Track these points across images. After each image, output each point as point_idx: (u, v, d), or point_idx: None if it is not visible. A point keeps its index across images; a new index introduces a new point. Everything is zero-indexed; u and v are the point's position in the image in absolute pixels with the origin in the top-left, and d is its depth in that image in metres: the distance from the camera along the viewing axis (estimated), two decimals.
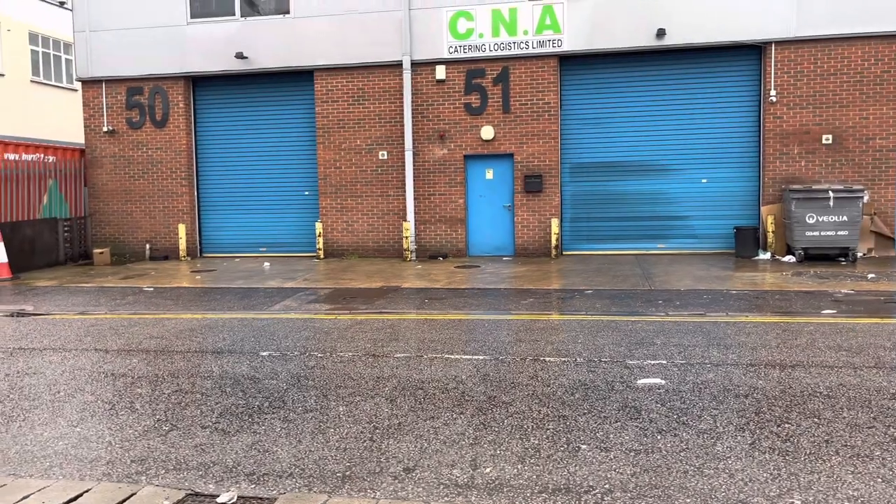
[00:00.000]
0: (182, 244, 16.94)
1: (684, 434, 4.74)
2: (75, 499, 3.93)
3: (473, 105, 15.79)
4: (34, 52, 27.54)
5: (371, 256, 16.44)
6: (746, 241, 14.60)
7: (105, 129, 17.38)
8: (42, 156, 16.60)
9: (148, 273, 14.71)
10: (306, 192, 17.10)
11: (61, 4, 25.31)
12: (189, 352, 7.51)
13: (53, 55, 28.41)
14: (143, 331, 8.73)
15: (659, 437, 4.69)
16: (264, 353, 7.33)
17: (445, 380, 6.15)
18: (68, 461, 4.51)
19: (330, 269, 14.62)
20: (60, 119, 26.48)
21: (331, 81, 16.37)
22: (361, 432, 4.91)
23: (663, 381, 5.95)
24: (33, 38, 27.35)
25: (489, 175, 16.06)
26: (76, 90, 26.00)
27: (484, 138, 15.76)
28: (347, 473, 4.23)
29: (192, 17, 16.87)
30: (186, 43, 16.87)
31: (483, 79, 15.72)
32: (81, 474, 4.29)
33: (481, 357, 6.94)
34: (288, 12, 16.46)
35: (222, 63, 16.71)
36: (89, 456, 4.59)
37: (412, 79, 15.91)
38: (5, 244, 14.49)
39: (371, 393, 5.82)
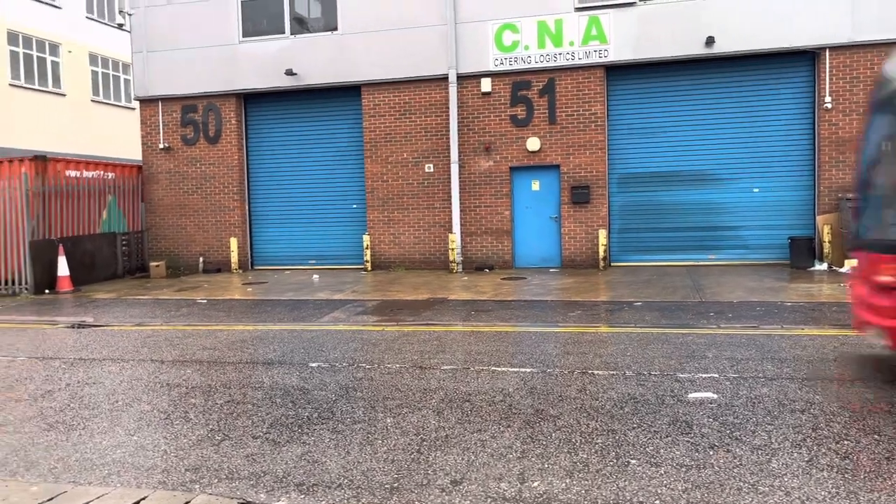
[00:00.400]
0: (234, 257, 17.32)
1: (738, 450, 4.63)
2: None
3: (519, 117, 15.79)
4: (94, 73, 28.61)
5: (417, 268, 16.53)
6: (801, 252, 14.21)
7: (161, 145, 17.93)
8: (102, 173, 17.20)
9: (201, 285, 15.07)
10: (354, 205, 17.31)
11: (120, 27, 26.26)
12: (241, 363, 7.66)
13: (112, 75, 29.46)
14: (196, 342, 8.95)
15: (711, 453, 4.59)
16: (313, 365, 7.43)
17: (492, 392, 6.14)
18: (126, 469, 4.64)
19: (377, 281, 14.75)
20: (119, 137, 27.43)
21: (378, 96, 16.58)
22: (409, 444, 4.94)
23: (715, 395, 5.83)
24: (93, 59, 28.43)
25: (535, 186, 16.01)
26: (134, 108, 26.89)
27: (530, 150, 15.73)
28: (395, 485, 4.26)
29: (244, 36, 17.31)
30: (238, 61, 17.31)
31: (529, 90, 15.71)
32: (138, 482, 4.42)
33: (528, 370, 6.90)
34: (336, 29, 16.76)
35: (272, 80, 17.09)
36: (146, 464, 4.72)
37: (458, 92, 16.00)
38: (67, 258, 15.04)
39: (418, 405, 5.84)
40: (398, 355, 7.77)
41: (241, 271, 17.42)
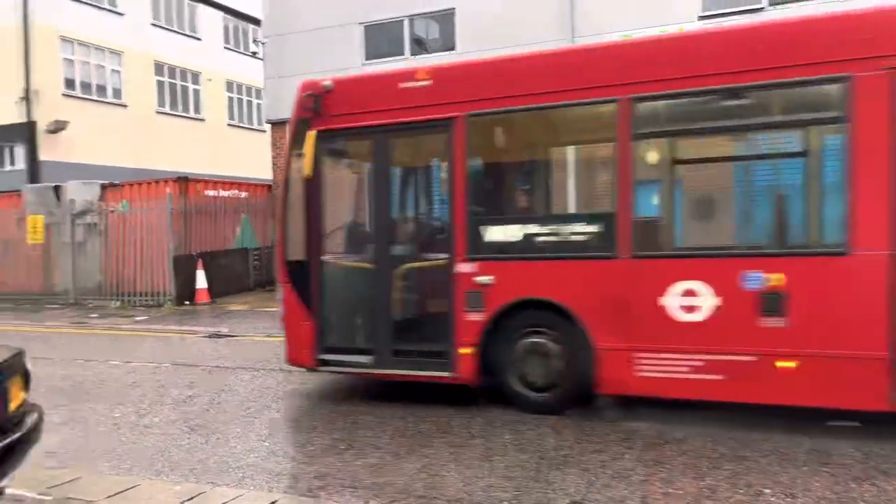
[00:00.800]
0: None
1: (885, 484, 4.28)
2: None
3: None
4: (230, 99, 30.58)
5: None
6: None
7: None
8: (236, 192, 18.33)
9: None
10: None
11: (254, 55, 27.96)
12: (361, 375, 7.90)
13: (246, 100, 31.38)
14: None
15: (854, 486, 4.27)
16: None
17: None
18: (258, 473, 4.90)
19: None
20: (251, 158, 29.12)
21: None
22: (527, 461, 4.91)
23: (858, 424, 5.42)
24: (230, 86, 30.40)
25: None
26: (265, 131, 28.46)
27: None
28: (514, 503, 4.25)
29: (367, 59, 17.98)
30: None
31: None
32: (269, 486, 4.65)
33: None
34: (454, 48, 17.07)
35: None
36: (276, 469, 4.97)
37: None
38: (205, 271, 16.10)
39: (535, 422, 5.80)
40: None
41: None
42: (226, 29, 30.12)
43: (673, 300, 5.55)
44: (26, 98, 22.39)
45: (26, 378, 4.28)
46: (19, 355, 4.15)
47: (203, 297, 15.90)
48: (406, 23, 17.62)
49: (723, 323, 5.41)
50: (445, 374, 6.24)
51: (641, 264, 5.72)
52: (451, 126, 6.30)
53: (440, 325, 6.33)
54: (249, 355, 9.42)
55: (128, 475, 4.90)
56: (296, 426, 6.00)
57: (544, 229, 6.52)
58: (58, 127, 22.64)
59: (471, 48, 16.81)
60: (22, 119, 22.50)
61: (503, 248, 6.32)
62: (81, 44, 24.09)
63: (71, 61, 23.81)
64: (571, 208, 7.94)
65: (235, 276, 17.61)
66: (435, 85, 6.43)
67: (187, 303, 15.74)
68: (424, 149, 7.70)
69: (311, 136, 6.77)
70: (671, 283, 5.56)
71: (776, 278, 5.27)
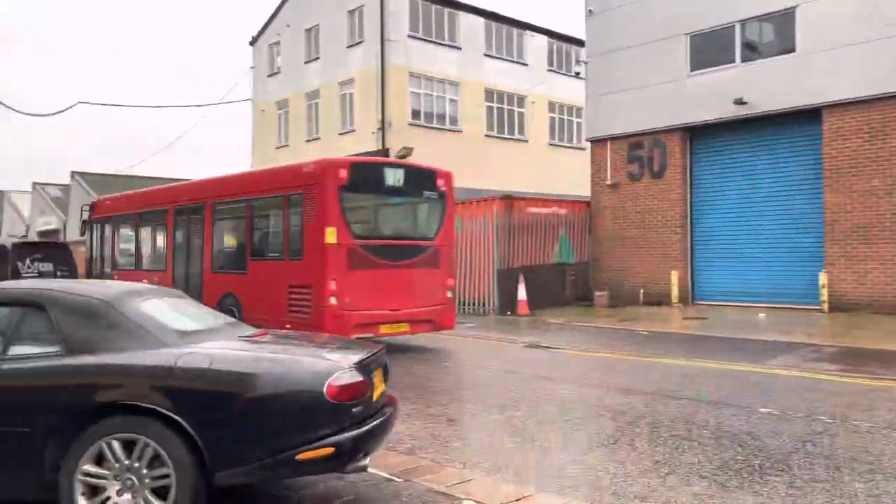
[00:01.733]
0: (674, 291, 17.29)
1: None
2: None
3: None
4: (552, 119, 31.75)
5: (889, 313, 14.18)
6: None
7: (608, 182, 18.97)
8: (555, 209, 18.97)
9: (641, 317, 15.39)
10: (807, 240, 15.75)
11: (577, 75, 28.69)
12: (683, 398, 7.59)
13: (567, 120, 32.31)
14: (639, 372, 9.16)
15: None
16: (763, 410, 6.95)
17: None
18: (580, 485, 4.99)
19: (835, 325, 13.12)
20: (570, 176, 29.85)
21: (842, 118, 14.87)
22: None
23: None
24: (552, 106, 31.58)
25: None
26: (584, 149, 28.99)
27: None
28: None
29: (693, 69, 17.32)
30: (684, 95, 17.38)
31: None
32: (592, 499, 4.70)
33: None
34: (793, 50, 15.62)
35: (719, 111, 16.71)
36: (597, 483, 5.01)
37: None
38: (525, 285, 16.91)
39: (894, 472, 5.00)
40: (868, 412, 6.78)
41: (680, 305, 17.27)
42: (550, 52, 31.40)
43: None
44: (381, 129, 25.86)
45: (386, 371, 4.94)
46: (381, 351, 4.81)
47: (523, 309, 16.70)
48: (737, 28, 16.59)
49: None
50: None
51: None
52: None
53: None
54: (568, 368, 9.65)
55: (463, 469, 5.35)
56: (615, 443, 5.98)
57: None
58: (405, 153, 25.72)
59: (816, 48, 15.22)
60: (377, 147, 26.02)
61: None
62: (426, 78, 27.09)
63: (417, 94, 26.90)
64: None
65: (553, 290, 18.19)
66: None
67: (509, 313, 16.66)
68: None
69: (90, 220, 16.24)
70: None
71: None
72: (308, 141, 30.13)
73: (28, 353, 4.09)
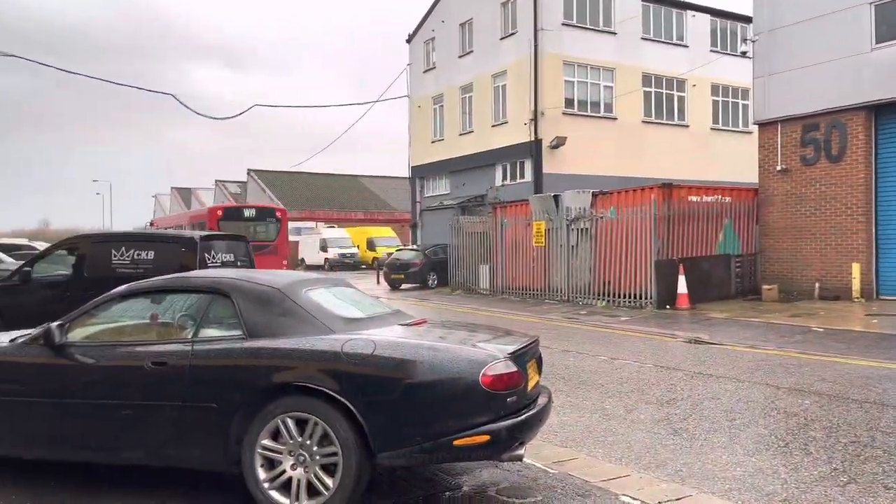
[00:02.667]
0: (855, 284, 15.82)
1: None
2: None
3: None
4: (715, 102, 30.09)
5: None
6: None
7: (778, 167, 17.68)
8: (719, 197, 17.96)
9: (817, 313, 14.25)
10: None
11: (743, 54, 26.94)
12: (866, 402, 6.95)
13: (731, 102, 30.48)
14: (813, 372, 8.50)
15: None
16: None
17: None
18: (745, 488, 4.73)
19: None
20: (735, 161, 28.18)
21: None
22: None
23: None
24: (715, 89, 29.93)
25: None
26: (751, 133, 27.22)
27: None
28: None
29: (878, 42, 15.71)
30: (866, 71, 15.80)
31: None
32: None
33: None
34: None
35: None
36: (766, 488, 4.73)
37: None
38: (685, 277, 16.18)
39: None
40: None
41: (862, 300, 15.78)
42: (713, 32, 29.76)
43: None
44: (534, 119, 25.75)
45: (539, 363, 4.96)
46: (535, 343, 4.83)
47: (683, 303, 16.00)
48: None
49: None
50: None
51: None
52: None
53: None
54: (733, 365, 9.15)
55: (618, 464, 5.26)
56: (786, 447, 5.60)
57: None
58: (558, 143, 25.47)
59: None
60: (530, 138, 25.96)
61: None
62: (580, 65, 26.64)
63: (571, 82, 26.52)
64: None
65: (716, 282, 17.28)
66: None
67: (667, 307, 16.04)
68: None
69: None
70: None
71: None
72: (462, 134, 30.65)
73: (215, 335, 4.52)
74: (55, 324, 4.68)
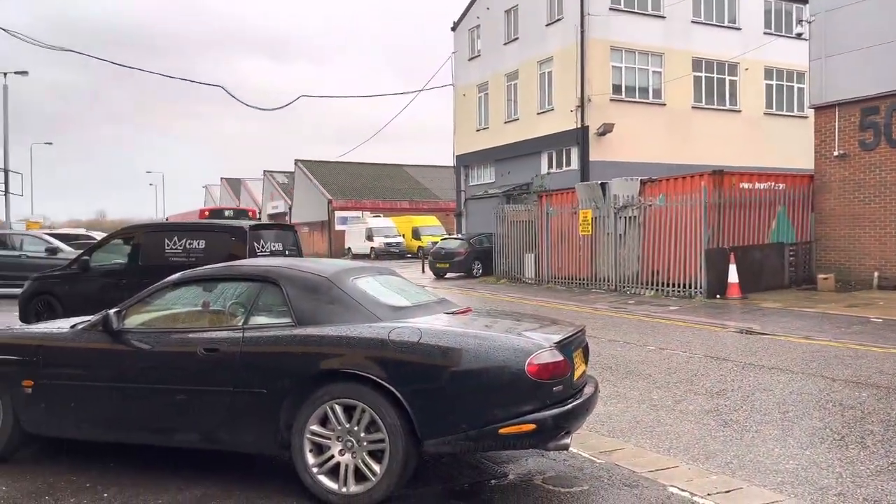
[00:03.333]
0: None
1: None
2: None
3: None
4: (768, 86, 29.25)
5: None
6: None
7: (835, 153, 17.12)
8: (772, 184, 17.48)
9: (875, 303, 13.79)
10: None
11: (798, 36, 26.10)
12: None
13: (786, 86, 29.60)
14: (871, 364, 8.24)
15: None
16: None
17: None
18: (798, 482, 4.63)
19: None
20: (789, 147, 27.39)
21: None
22: None
23: None
24: (768, 72, 29.08)
25: None
26: (807, 117, 26.41)
27: None
28: None
29: None
30: None
31: None
32: (812, 499, 4.34)
33: None
34: None
35: None
36: (820, 482, 4.61)
37: None
38: (736, 266, 15.83)
39: None
40: None
41: None
42: (767, 13, 28.91)
43: None
44: (581, 106, 25.44)
45: (586, 352, 4.92)
46: (581, 332, 4.79)
47: (734, 292, 15.67)
48: None
49: None
50: None
51: None
52: None
53: None
54: (785, 356, 8.93)
55: (666, 455, 5.19)
56: (842, 440, 5.45)
57: None
58: (605, 129, 25.13)
59: None
60: (577, 125, 25.66)
61: None
62: (628, 51, 26.18)
63: (619, 68, 26.09)
64: None
65: (769, 272, 16.86)
66: None
67: (717, 297, 15.72)
68: None
69: None
70: None
71: None
72: (507, 122, 30.48)
73: (265, 323, 4.60)
74: (113, 311, 4.83)
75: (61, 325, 5.22)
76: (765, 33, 28.34)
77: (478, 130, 32.67)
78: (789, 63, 28.58)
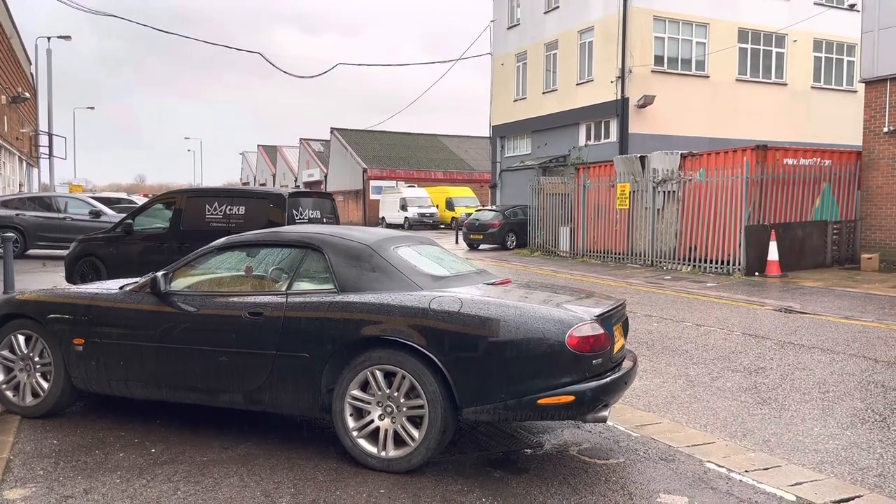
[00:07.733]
0: None
1: None
2: (847, 500, 3.98)
3: None
4: (817, 59, 28.36)
5: None
6: None
7: (885, 129, 16.60)
8: (818, 160, 17.04)
9: None
10: None
11: (851, 7, 25.19)
12: None
13: (836, 59, 28.67)
14: None
15: None
16: None
17: None
18: (839, 462, 4.59)
19: None
20: (837, 122, 26.63)
21: None
22: None
23: None
24: (817, 45, 28.19)
25: None
26: (856, 92, 25.62)
27: None
28: None
29: None
30: None
31: None
32: (853, 479, 4.30)
33: None
34: None
35: None
36: (860, 463, 4.56)
37: None
38: (777, 243, 15.53)
39: None
40: None
41: None
42: None
43: None
44: (621, 77, 24.99)
45: (625, 326, 4.90)
46: (622, 306, 4.77)
47: (773, 270, 15.40)
48: None
49: None
50: None
51: None
52: None
53: None
54: (826, 335, 8.79)
55: (703, 431, 5.18)
56: (884, 422, 5.38)
57: None
58: (646, 102, 24.67)
59: None
60: (616, 97, 25.24)
61: None
62: (672, 21, 25.56)
63: (661, 39, 25.51)
64: None
65: (811, 250, 16.52)
66: None
67: (756, 274, 15.48)
68: None
69: None
70: None
71: None
72: (545, 93, 30.09)
73: (308, 289, 4.67)
74: (160, 273, 4.95)
75: (110, 286, 5.36)
76: (815, 3, 27.39)
77: (515, 101, 32.33)
78: (839, 35, 27.63)
